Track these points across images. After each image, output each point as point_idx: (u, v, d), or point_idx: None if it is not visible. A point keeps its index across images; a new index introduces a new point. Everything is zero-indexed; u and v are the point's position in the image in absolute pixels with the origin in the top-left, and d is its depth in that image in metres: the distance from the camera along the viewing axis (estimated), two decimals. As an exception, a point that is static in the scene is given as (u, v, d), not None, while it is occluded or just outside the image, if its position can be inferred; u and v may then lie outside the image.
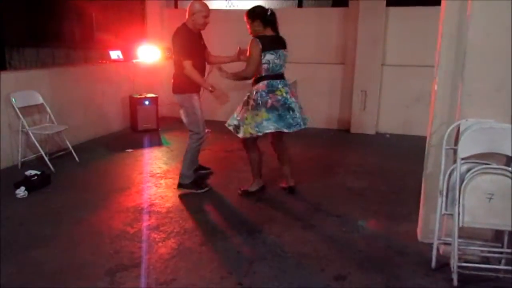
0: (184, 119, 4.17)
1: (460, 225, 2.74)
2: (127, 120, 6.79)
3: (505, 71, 2.69)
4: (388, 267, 2.97)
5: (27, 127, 4.89)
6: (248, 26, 3.93)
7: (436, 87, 3.00)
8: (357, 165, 5.20)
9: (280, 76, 3.94)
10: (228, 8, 10.59)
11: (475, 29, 2.68)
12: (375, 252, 3.18)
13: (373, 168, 5.06)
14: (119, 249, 3.18)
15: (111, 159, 5.40)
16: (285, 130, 3.89)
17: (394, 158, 5.48)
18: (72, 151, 5.21)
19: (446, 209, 2.89)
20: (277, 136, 4.14)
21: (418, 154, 5.24)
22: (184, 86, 4.04)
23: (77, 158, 5.17)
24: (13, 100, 4.84)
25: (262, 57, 3.81)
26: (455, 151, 2.88)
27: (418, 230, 3.38)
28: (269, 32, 3.89)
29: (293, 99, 3.93)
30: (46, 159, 4.89)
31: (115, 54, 6.95)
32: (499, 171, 2.74)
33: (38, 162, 4.96)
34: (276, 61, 3.85)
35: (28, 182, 4.23)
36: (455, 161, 2.89)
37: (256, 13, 3.89)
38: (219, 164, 5.13)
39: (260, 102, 3.82)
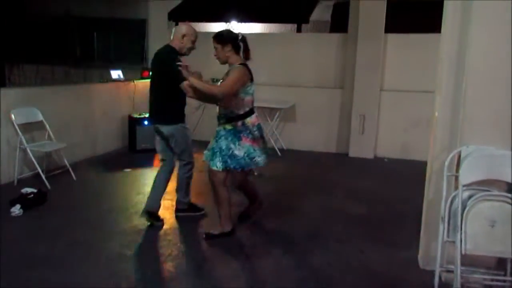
0: (176, 149, 3.92)
1: (463, 252, 2.71)
2: (126, 140, 6.77)
3: (505, 98, 2.71)
4: (390, 294, 2.93)
5: (25, 144, 4.86)
6: (216, 51, 3.57)
7: (436, 113, 3.02)
8: (356, 189, 5.18)
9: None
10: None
11: (475, 56, 2.71)
12: (375, 279, 3.14)
13: (372, 193, 5.04)
14: (115, 271, 3.12)
15: (109, 178, 5.36)
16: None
17: (393, 183, 5.47)
18: (70, 169, 5.18)
19: (448, 236, 2.87)
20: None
21: (417, 180, 5.24)
22: (175, 116, 3.84)
23: (74, 177, 5.14)
24: (13, 116, 4.83)
25: (249, 88, 3.55)
26: (456, 178, 2.88)
27: (420, 257, 3.34)
28: (242, 60, 3.58)
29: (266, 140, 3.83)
30: (43, 176, 4.85)
31: (115, 74, 6.98)
32: (500, 198, 2.73)
33: (34, 180, 4.91)
34: (249, 93, 3.59)
35: (23, 200, 4.18)
36: (456, 188, 2.88)
37: (225, 37, 3.56)
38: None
39: (254, 136, 3.60)
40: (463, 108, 2.80)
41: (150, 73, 4.13)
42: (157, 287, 2.97)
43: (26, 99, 5.17)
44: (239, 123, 3.56)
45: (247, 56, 3.61)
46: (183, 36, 3.78)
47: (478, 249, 2.74)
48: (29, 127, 5.08)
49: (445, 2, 2.88)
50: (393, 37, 6.35)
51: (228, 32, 3.64)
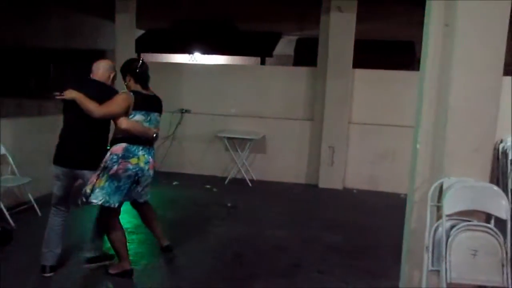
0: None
1: (448, 281, 2.79)
2: (91, 172, 6.54)
3: (483, 134, 2.88)
4: (378, 326, 2.95)
5: (-13, 179, 4.60)
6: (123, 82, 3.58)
7: (418, 146, 3.15)
8: (330, 220, 5.24)
9: (146, 142, 3.46)
10: (191, 62, 10.85)
11: (455, 94, 2.87)
12: (362, 310, 3.17)
13: (346, 223, 5.12)
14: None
15: (76, 213, 5.12)
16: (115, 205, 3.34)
17: (364, 213, 5.59)
18: (35, 204, 4.93)
19: (432, 265, 2.95)
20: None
21: (386, 210, 5.45)
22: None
23: (39, 213, 4.88)
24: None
25: (131, 116, 3.37)
26: (438, 208, 2.98)
27: (401, 286, 3.40)
28: (139, 88, 3.48)
29: (150, 171, 3.51)
30: (6, 214, 4.58)
31: (81, 104, 6.80)
32: (481, 228, 2.86)
33: (-3, 217, 4.63)
34: (145, 124, 3.43)
35: (-12, 239, 3.93)
36: (438, 218, 2.98)
37: (124, 67, 3.53)
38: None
39: (107, 167, 3.31)
40: (443, 142, 2.94)
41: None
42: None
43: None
44: (111, 148, 3.43)
45: (142, 85, 3.50)
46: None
47: (462, 278, 2.82)
48: (-10, 161, 4.83)
49: (424, 42, 3.05)
50: (360, 73, 6.61)
51: (127, 63, 3.57)
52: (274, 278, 3.61)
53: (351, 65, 6.46)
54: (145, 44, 10.11)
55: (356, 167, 6.73)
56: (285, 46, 11.49)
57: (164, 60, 10.67)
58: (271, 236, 4.55)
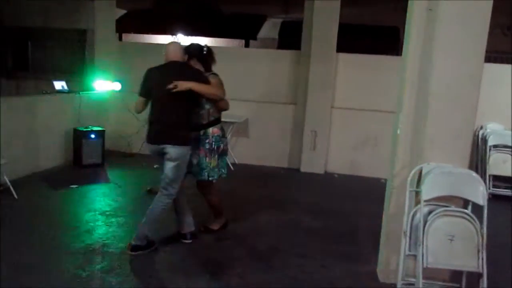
0: (171, 175, 3.56)
1: (424, 266, 2.83)
2: (70, 154, 6.43)
3: (463, 120, 2.90)
4: (355, 309, 2.99)
5: (-39, 160, 4.47)
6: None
7: (398, 131, 3.15)
8: (311, 204, 5.26)
9: None
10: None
11: (436, 80, 2.87)
12: (340, 294, 3.19)
13: (326, 208, 5.14)
14: (71, 295, 2.94)
15: (55, 196, 5.05)
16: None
17: (345, 198, 5.62)
18: (11, 187, 4.81)
19: (409, 250, 2.98)
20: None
21: (367, 195, 5.48)
22: (188, 137, 3.63)
23: (15, 195, 4.77)
24: None
25: None
26: (417, 193, 3.00)
27: (379, 271, 3.44)
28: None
29: None
30: (-19, 195, 4.48)
31: (59, 85, 6.64)
32: (458, 214, 2.89)
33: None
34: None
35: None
36: (416, 203, 3.01)
37: (191, 50, 3.79)
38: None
39: (215, 148, 3.79)
40: (424, 128, 2.95)
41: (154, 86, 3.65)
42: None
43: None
44: (209, 130, 3.80)
45: (206, 68, 3.85)
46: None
47: (439, 262, 2.86)
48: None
49: (407, 27, 3.03)
50: (344, 57, 6.58)
51: (195, 46, 3.87)
52: (253, 261, 3.61)
53: (335, 49, 6.42)
54: (126, 24, 9.89)
55: (338, 152, 6.75)
56: (270, 29, 11.36)
57: (146, 41, 10.44)
58: (251, 219, 4.55)
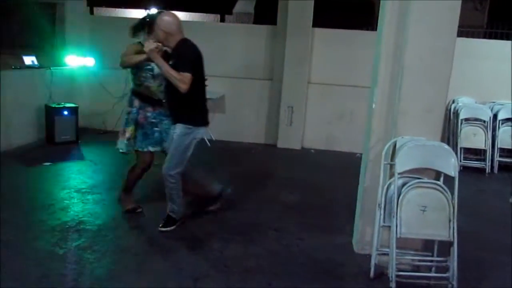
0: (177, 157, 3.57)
1: (398, 236, 2.91)
2: (42, 131, 6.28)
3: (436, 94, 2.95)
4: (331, 279, 3.07)
5: None
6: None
7: (374, 105, 3.19)
8: (287, 179, 5.31)
9: None
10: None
11: (410, 54, 2.90)
12: (316, 265, 3.26)
13: (303, 182, 5.20)
14: (47, 272, 2.92)
15: (28, 174, 4.95)
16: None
17: (321, 172, 5.70)
18: (-18, 164, 4.70)
19: (384, 221, 3.06)
20: None
21: (342, 169, 5.58)
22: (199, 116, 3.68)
23: (-13, 173, 4.67)
24: None
25: None
26: (391, 166, 3.07)
27: (354, 242, 3.53)
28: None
29: None
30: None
31: (29, 60, 6.43)
32: (430, 185, 2.97)
33: None
34: None
35: None
36: (391, 176, 3.07)
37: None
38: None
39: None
40: (398, 101, 2.99)
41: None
42: (94, 286, 2.81)
43: None
44: None
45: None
46: None
47: (411, 232, 2.95)
48: None
49: (382, 2, 3.03)
50: (320, 32, 6.56)
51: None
52: (231, 236, 3.65)
53: (311, 24, 6.39)
54: (98, -3, 9.58)
55: (314, 127, 6.80)
56: (246, 3, 11.22)
57: (119, 15, 10.16)
58: (228, 195, 4.56)
